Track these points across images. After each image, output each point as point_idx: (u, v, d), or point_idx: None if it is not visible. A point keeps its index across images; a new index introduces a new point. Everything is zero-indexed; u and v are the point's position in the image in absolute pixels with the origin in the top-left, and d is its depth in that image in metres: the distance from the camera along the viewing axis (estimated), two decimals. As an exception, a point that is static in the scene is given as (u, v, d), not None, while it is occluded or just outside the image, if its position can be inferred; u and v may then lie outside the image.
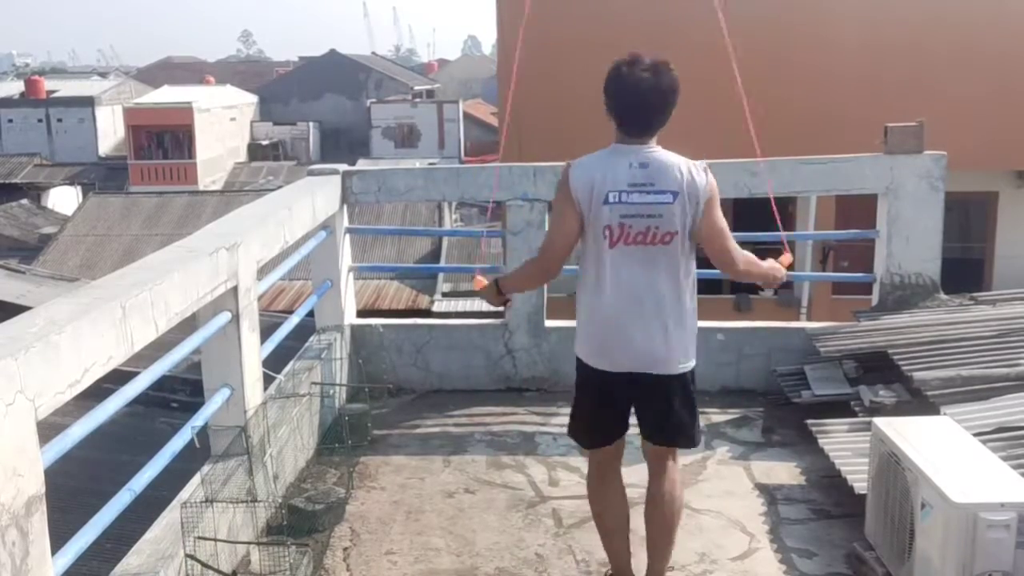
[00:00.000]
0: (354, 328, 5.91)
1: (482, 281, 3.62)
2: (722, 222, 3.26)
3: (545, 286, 5.80)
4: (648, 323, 3.22)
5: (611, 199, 3.17)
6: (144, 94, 46.90)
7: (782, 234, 3.99)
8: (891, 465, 3.56)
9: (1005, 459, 3.56)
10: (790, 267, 3.59)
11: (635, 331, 3.22)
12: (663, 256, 3.20)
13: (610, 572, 3.61)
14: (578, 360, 3.41)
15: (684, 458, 3.89)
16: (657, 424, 3.37)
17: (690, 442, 3.43)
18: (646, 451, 3.47)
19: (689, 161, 3.24)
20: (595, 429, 3.45)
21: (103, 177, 38.70)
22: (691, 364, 3.33)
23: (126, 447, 4.54)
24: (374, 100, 50.00)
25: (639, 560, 3.57)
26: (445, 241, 21.09)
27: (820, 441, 4.55)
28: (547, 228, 3.34)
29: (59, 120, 46.52)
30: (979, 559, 3.10)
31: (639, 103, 3.20)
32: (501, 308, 4.05)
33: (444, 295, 19.06)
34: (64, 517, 2.92)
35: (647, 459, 3.48)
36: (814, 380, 5.31)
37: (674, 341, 3.25)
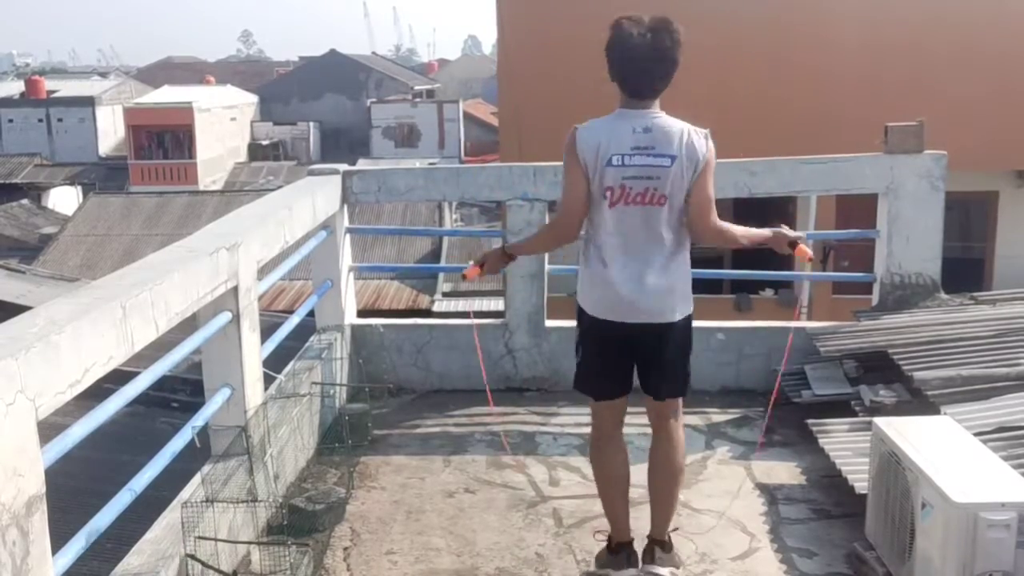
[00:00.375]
0: (354, 328, 5.91)
1: (474, 269, 3.69)
2: (711, 190, 3.38)
3: (545, 287, 5.83)
4: (646, 275, 3.37)
5: (615, 161, 3.30)
6: (144, 94, 46.92)
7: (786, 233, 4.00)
8: (891, 465, 3.56)
9: (1005, 459, 3.56)
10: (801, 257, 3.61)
11: (634, 283, 3.37)
12: (660, 215, 3.34)
13: (609, 534, 3.67)
14: (580, 311, 3.54)
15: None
16: (657, 373, 3.51)
17: (683, 391, 3.60)
18: (649, 410, 3.59)
19: (691, 127, 3.35)
20: (600, 379, 3.57)
21: (103, 177, 38.71)
22: (688, 311, 3.49)
23: (126, 447, 4.54)
24: (374, 100, 50.02)
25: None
26: (445, 241, 21.10)
27: (820, 441, 4.56)
28: (560, 194, 3.51)
29: (59, 120, 46.54)
30: (980, 559, 3.10)
31: (639, 65, 3.28)
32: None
33: (444, 295, 19.06)
34: (64, 517, 2.91)
35: (650, 417, 3.61)
36: (814, 380, 5.31)
37: (671, 291, 3.41)
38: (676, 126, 3.33)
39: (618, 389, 3.57)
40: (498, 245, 3.79)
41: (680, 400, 3.60)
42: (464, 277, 3.77)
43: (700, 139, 3.32)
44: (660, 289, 3.38)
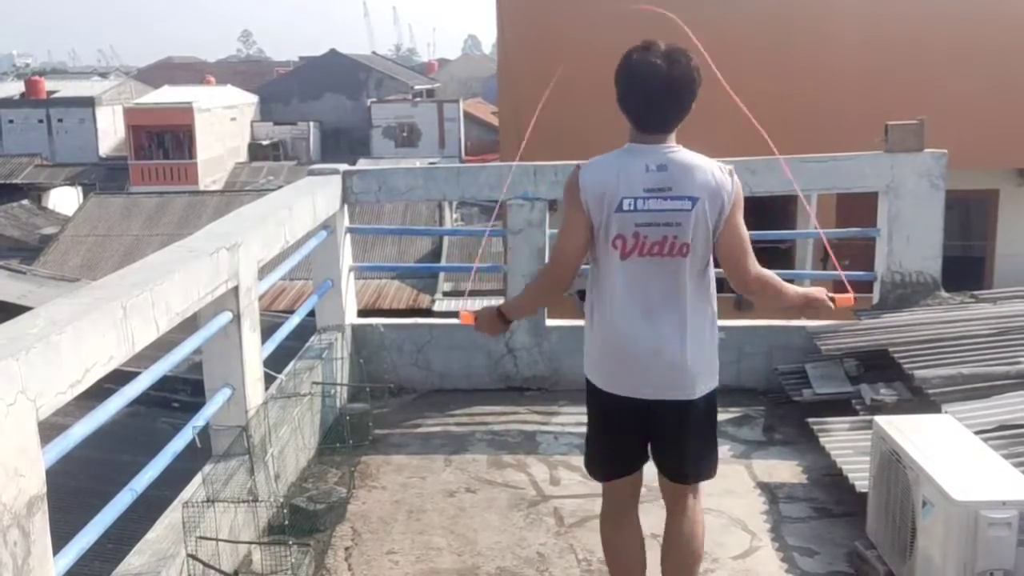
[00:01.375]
0: (355, 328, 5.91)
1: (469, 316, 3.21)
2: (743, 233, 2.93)
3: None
4: (666, 343, 2.89)
5: (626, 206, 2.83)
6: (144, 94, 46.92)
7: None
8: (892, 463, 3.56)
9: (1006, 457, 3.56)
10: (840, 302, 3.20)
11: (652, 352, 2.89)
12: (681, 268, 2.87)
13: None
14: (588, 384, 3.07)
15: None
16: (676, 457, 3.05)
17: (709, 473, 3.11)
18: (663, 487, 3.14)
19: (714, 162, 2.92)
20: (611, 459, 3.12)
21: (104, 177, 38.71)
22: (713, 385, 3.01)
23: (127, 447, 4.55)
24: (374, 100, 50.03)
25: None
26: (446, 240, 21.11)
27: (821, 439, 4.55)
28: (556, 237, 3.04)
29: (60, 120, 46.55)
30: (980, 557, 3.10)
31: (652, 96, 2.84)
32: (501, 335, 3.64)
33: (445, 294, 19.06)
34: (66, 517, 2.92)
35: (664, 495, 3.16)
36: (815, 378, 5.31)
37: (695, 362, 2.91)
38: (696, 162, 2.87)
39: (632, 466, 3.09)
40: (496, 304, 3.23)
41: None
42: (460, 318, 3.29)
43: (725, 175, 2.88)
44: (680, 359, 2.88)
